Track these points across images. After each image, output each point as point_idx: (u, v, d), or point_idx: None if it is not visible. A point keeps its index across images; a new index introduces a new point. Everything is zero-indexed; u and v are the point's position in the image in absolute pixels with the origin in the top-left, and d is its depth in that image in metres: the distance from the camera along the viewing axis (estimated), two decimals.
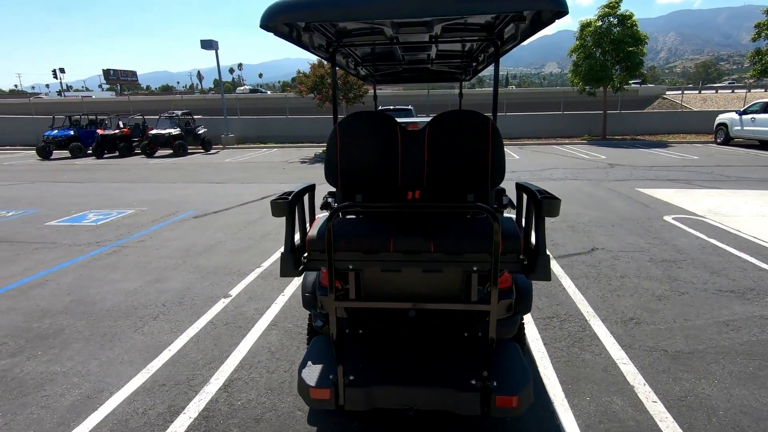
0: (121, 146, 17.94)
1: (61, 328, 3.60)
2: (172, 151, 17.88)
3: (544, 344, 3.21)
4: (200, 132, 19.40)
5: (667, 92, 39.42)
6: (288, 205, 2.01)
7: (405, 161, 2.48)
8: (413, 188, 2.54)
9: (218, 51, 20.29)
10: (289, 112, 22.78)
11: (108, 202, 8.75)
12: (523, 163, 13.58)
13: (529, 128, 21.83)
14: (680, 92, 37.73)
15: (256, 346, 3.29)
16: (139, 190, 10.16)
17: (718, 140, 17.66)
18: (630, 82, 20.19)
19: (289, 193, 2.13)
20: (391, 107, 16.15)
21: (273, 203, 1.99)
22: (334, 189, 2.64)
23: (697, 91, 42.67)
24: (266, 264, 4.93)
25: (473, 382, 1.94)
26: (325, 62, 4.25)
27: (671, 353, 3.06)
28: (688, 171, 11.12)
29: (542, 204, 1.90)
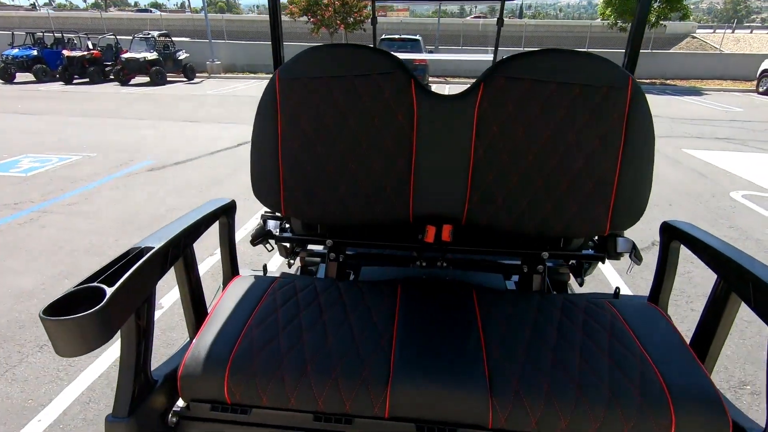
0: (91, 71, 15.94)
1: None
2: (149, 79, 15.92)
3: None
4: (181, 57, 17.25)
5: (698, 30, 35.90)
6: (101, 321, 0.72)
7: (426, 165, 1.14)
8: (438, 221, 1.21)
9: None
10: (287, 38, 20.33)
11: (55, 142, 7.30)
12: None
13: None
14: (712, 31, 34.38)
15: None
16: (98, 127, 8.64)
17: (761, 89, 15.77)
18: (669, 16, 17.75)
19: (128, 261, 0.84)
20: (396, 36, 14.04)
21: (50, 323, 0.69)
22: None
23: (730, 31, 39.01)
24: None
25: None
26: None
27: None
28: (738, 127, 9.58)
29: None
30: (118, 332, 0.79)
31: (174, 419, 0.92)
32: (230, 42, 20.81)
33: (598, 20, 19.51)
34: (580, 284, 1.59)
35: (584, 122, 1.06)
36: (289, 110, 1.12)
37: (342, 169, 1.14)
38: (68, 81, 15.73)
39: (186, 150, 6.98)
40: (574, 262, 1.52)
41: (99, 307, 0.69)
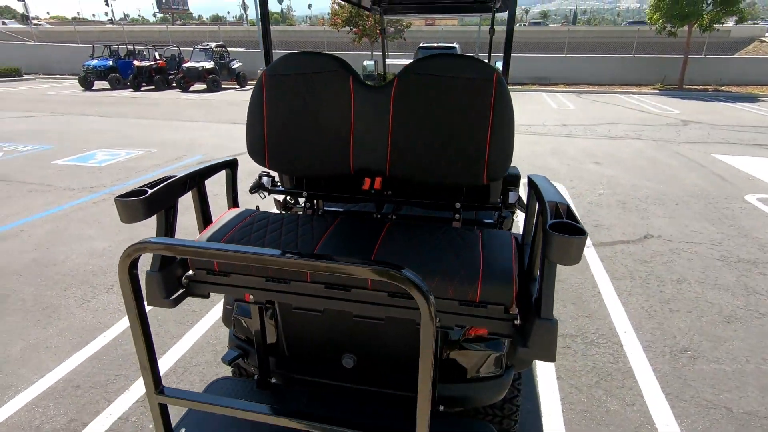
0: (157, 79, 17.67)
1: (7, 295, 3.24)
2: (205, 86, 17.39)
3: (557, 378, 2.44)
4: (235, 66, 18.66)
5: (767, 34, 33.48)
6: (145, 205, 1.29)
7: (360, 134, 1.64)
8: (372, 174, 1.72)
9: None
10: (327, 47, 21.40)
11: (123, 140, 8.43)
12: (577, 115, 11.90)
13: (590, 73, 19.32)
14: None
15: (200, 343, 2.76)
16: (159, 128, 9.78)
17: None
18: (724, 19, 16.96)
19: (165, 180, 1.41)
20: (434, 44, 14.54)
21: (120, 202, 1.27)
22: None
23: None
24: None
25: None
26: None
27: (739, 415, 2.21)
28: None
29: (551, 241, 1.05)
30: None
31: (185, 281, 1.47)
32: (279, 51, 22.15)
33: (646, 25, 18.96)
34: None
35: (465, 103, 1.51)
36: (271, 96, 1.66)
37: (305, 136, 1.67)
38: (137, 88, 17.53)
39: (232, 147, 7.83)
40: (496, 215, 1.93)
41: (142, 198, 1.25)
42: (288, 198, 2.09)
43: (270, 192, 2.01)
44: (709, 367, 2.52)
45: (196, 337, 2.79)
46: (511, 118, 1.52)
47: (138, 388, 2.35)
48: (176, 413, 1.41)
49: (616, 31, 29.14)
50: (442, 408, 1.51)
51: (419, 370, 0.94)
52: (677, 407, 2.24)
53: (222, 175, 1.82)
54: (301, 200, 2.05)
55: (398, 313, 1.30)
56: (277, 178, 2.06)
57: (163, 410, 1.10)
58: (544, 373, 2.48)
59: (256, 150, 1.74)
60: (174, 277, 1.44)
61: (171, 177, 1.45)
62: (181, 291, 1.45)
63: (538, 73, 19.56)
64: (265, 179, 2.00)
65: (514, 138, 1.55)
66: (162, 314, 2.98)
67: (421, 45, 14.60)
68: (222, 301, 1.88)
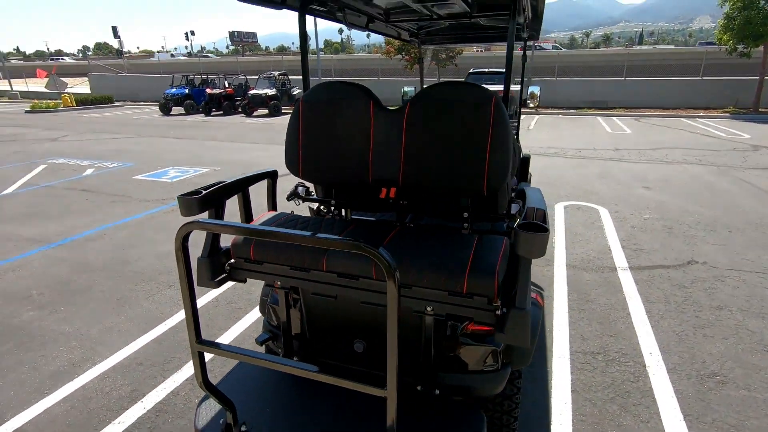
0: (225, 105, 19.32)
1: (90, 286, 3.80)
2: (267, 111, 18.73)
3: (572, 391, 2.49)
4: (295, 93, 19.94)
5: None
6: (199, 203, 1.63)
7: (378, 149, 1.91)
8: (388, 184, 1.97)
9: None
10: (382, 74, 22.28)
11: (192, 159, 9.36)
12: (633, 139, 11.50)
13: (652, 96, 18.53)
14: None
15: (247, 332, 3.10)
16: (224, 149, 10.73)
17: None
18: None
19: (217, 184, 1.75)
20: (485, 70, 14.73)
21: (181, 199, 1.62)
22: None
23: None
24: None
25: None
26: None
27: None
28: None
29: (518, 237, 1.23)
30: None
31: (228, 267, 1.77)
32: (337, 78, 23.35)
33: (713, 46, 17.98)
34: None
35: (467, 123, 1.72)
36: (305, 118, 1.98)
37: (332, 151, 1.96)
38: (208, 113, 19.26)
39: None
40: (505, 225, 2.09)
41: (197, 197, 1.59)
42: (321, 207, 2.39)
43: (304, 200, 2.32)
44: (738, 393, 2.45)
45: (241, 329, 3.14)
46: (507, 137, 1.71)
47: (188, 369, 2.71)
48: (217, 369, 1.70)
49: (683, 53, 27.73)
50: (438, 392, 1.68)
51: (387, 340, 1.15)
52: (695, 428, 2.22)
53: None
54: (330, 208, 2.34)
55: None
56: (311, 189, 2.38)
57: (201, 356, 1.39)
58: (559, 385, 2.54)
59: (292, 163, 2.06)
60: (219, 263, 1.76)
61: (221, 182, 1.79)
62: (224, 275, 1.76)
63: (595, 97, 19.08)
64: (300, 189, 2.32)
65: (510, 154, 1.74)
66: (213, 311, 3.38)
67: (471, 71, 14.87)
68: (260, 294, 2.18)
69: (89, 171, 8.32)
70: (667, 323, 3.13)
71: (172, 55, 66.65)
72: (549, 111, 18.32)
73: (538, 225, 1.24)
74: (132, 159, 9.39)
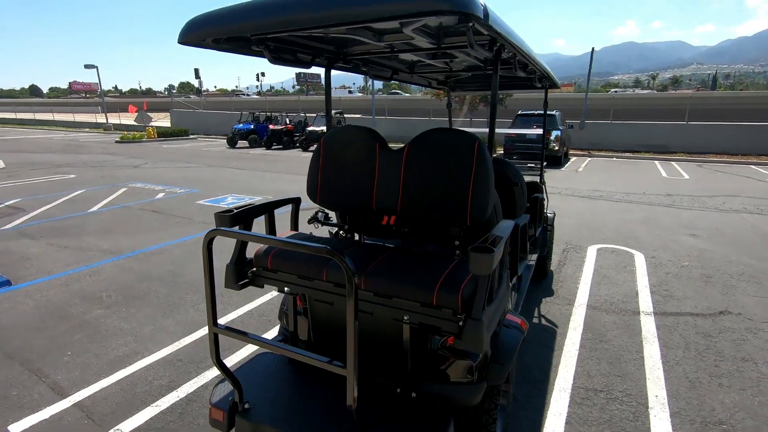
0: (285, 140, 20.82)
1: (149, 292, 4.38)
2: None
3: (566, 422, 2.55)
4: None
5: None
6: (231, 219, 2.03)
7: (381, 183, 2.25)
8: (389, 213, 2.29)
9: None
10: (433, 114, 23.02)
11: (249, 188, 10.25)
12: (689, 185, 11.00)
13: (717, 141, 17.60)
14: None
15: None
16: (279, 180, 11.61)
17: None
18: None
19: (247, 205, 2.16)
20: (534, 112, 14.89)
21: (217, 215, 2.03)
22: None
23: None
24: None
25: None
26: None
27: None
28: None
29: (468, 256, 1.49)
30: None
31: (250, 274, 2.14)
32: (389, 118, 24.52)
33: None
34: None
35: (454, 163, 2.01)
36: (325, 154, 2.38)
37: (344, 182, 2.33)
38: (269, 147, 20.84)
39: None
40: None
41: (229, 214, 2.00)
42: (339, 231, 2.74)
43: (322, 224, 2.69)
44: None
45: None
46: (488, 176, 1.99)
47: None
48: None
49: (751, 98, 26.12)
50: (414, 395, 1.90)
51: (347, 338, 1.43)
52: None
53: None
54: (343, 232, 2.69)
55: (380, 310, 1.80)
56: (330, 216, 2.75)
57: (216, 338, 1.73)
58: (555, 414, 2.61)
59: (312, 191, 2.46)
60: (243, 271, 2.14)
61: (250, 204, 2.20)
62: (246, 280, 2.13)
63: (653, 141, 18.44)
64: (320, 214, 2.70)
65: (491, 190, 2.00)
66: (246, 320, 3.78)
67: (519, 113, 15.09)
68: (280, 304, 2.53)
69: (160, 195, 9.38)
70: (681, 369, 3.08)
71: (246, 95, 73.36)
72: (602, 153, 17.92)
73: (486, 247, 1.49)
74: (198, 186, 10.45)
